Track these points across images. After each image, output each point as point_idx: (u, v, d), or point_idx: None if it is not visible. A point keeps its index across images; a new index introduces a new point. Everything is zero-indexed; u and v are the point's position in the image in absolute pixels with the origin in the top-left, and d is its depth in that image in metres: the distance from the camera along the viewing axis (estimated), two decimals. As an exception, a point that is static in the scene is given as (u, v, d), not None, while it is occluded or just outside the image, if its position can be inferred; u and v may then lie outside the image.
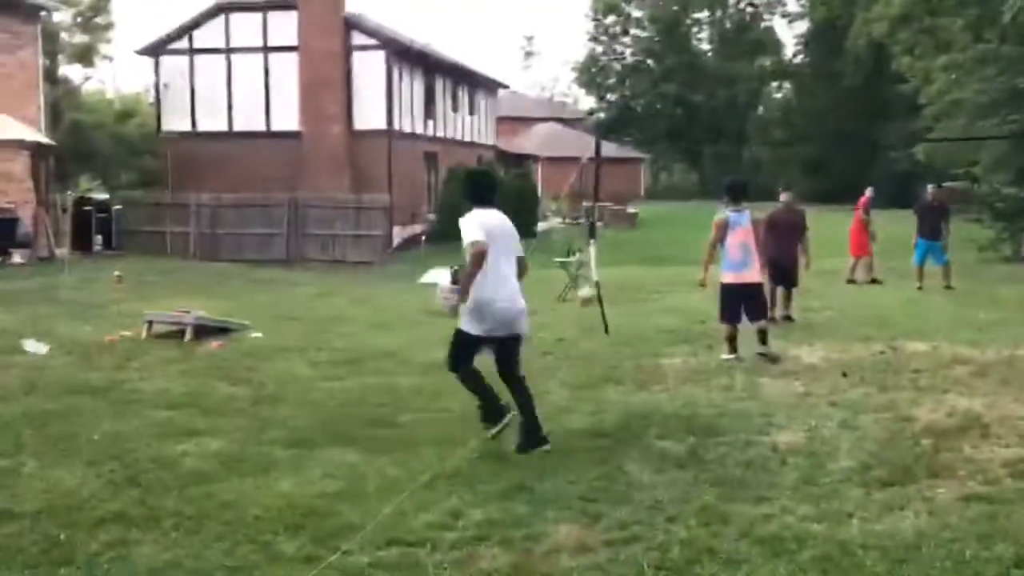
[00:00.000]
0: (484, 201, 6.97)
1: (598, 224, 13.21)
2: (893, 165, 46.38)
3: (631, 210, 40.20)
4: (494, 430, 6.78)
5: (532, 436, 6.58)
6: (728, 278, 9.96)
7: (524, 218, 32.00)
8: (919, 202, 17.09)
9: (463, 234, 6.62)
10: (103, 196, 29.13)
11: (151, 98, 35.15)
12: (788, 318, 12.58)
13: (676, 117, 66.51)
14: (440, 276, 19.04)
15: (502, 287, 6.70)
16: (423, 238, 27.65)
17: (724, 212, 9.99)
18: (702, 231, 10.68)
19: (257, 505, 5.41)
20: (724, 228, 9.86)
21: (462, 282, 6.92)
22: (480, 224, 6.68)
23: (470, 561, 4.62)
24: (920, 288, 15.98)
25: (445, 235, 30.19)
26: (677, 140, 66.16)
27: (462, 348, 6.89)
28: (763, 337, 9.98)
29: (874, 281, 17.41)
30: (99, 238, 26.51)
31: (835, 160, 55.27)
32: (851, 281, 17.52)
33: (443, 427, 7.21)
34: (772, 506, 5.28)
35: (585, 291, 14.88)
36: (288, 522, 5.14)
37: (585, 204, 35.23)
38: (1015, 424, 6.87)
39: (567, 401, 8.05)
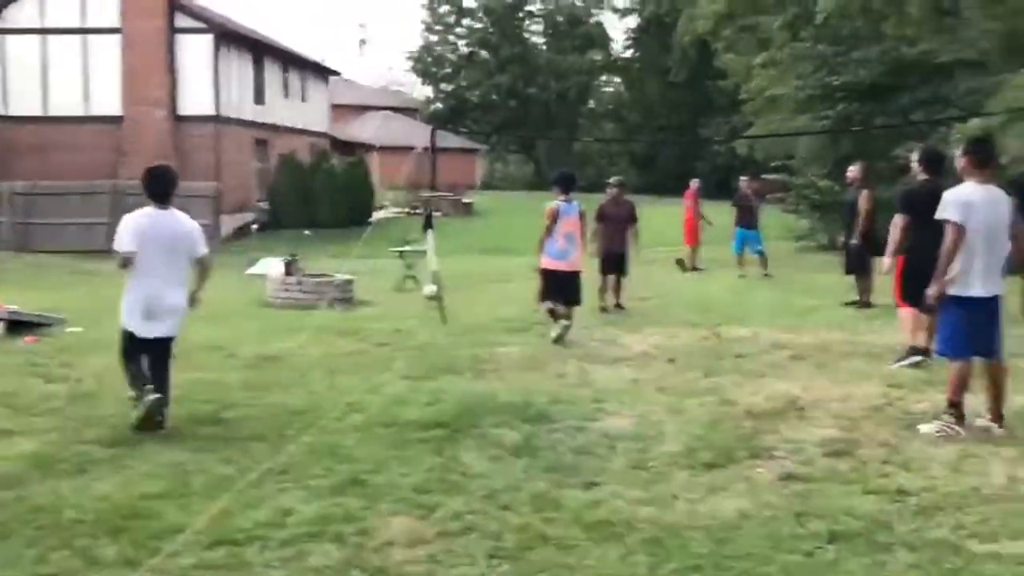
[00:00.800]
0: (158, 199, 6.99)
1: (436, 213, 13.20)
2: (716, 158, 48.24)
3: (467, 200, 40.32)
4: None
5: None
6: (550, 264, 10.37)
7: (357, 206, 31.81)
8: (735, 194, 17.85)
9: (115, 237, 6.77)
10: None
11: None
12: (619, 306, 12.90)
13: (511, 108, 67.10)
14: (271, 266, 18.63)
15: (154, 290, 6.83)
16: (254, 227, 26.96)
17: (555, 202, 10.28)
18: (538, 220, 10.83)
19: (74, 508, 5.13)
20: (555, 217, 10.15)
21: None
22: (133, 229, 6.81)
23: (300, 558, 4.51)
24: (742, 276, 16.69)
25: (277, 224, 29.64)
26: (511, 131, 66.79)
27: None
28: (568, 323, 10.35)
29: (695, 269, 18.20)
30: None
31: (663, 153, 57.02)
32: (695, 269, 18.32)
33: (273, 422, 7.03)
34: (602, 491, 5.39)
35: (428, 288, 14.86)
36: (108, 525, 4.89)
37: (422, 194, 35.15)
38: (829, 406, 7.24)
39: (403, 392, 7.98)
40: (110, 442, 6.45)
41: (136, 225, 6.85)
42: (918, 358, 8.63)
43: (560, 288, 10.40)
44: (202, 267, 7.33)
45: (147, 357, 6.97)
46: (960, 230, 6.29)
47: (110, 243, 7.19)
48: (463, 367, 9.05)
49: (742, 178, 18.34)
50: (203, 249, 7.27)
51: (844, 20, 22.10)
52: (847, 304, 12.71)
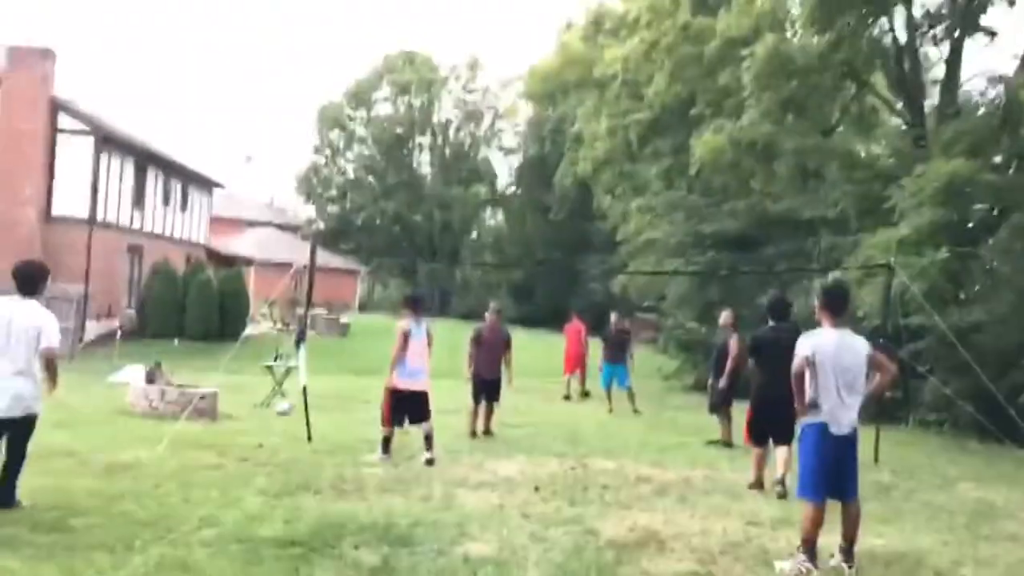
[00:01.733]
0: (22, 290, 7.36)
1: (310, 331, 13.07)
2: (592, 295, 49.34)
3: (344, 320, 40.01)
4: None
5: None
6: (401, 384, 10.47)
7: (230, 320, 31.22)
8: (606, 329, 18.28)
9: None
10: None
11: None
12: (488, 432, 12.89)
13: (395, 233, 67.57)
14: (134, 374, 18.01)
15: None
16: (119, 334, 26.11)
17: (405, 321, 10.59)
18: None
19: None
20: (407, 336, 10.47)
21: None
22: None
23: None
24: (610, 411, 16.92)
25: (145, 332, 28.81)
26: (394, 255, 67.13)
27: None
28: (429, 443, 10.43)
29: (587, 394, 18.80)
30: None
31: (541, 286, 57.98)
32: (567, 397, 18.78)
33: (121, 532, 6.71)
34: (460, 615, 5.30)
35: (282, 406, 14.63)
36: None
37: (298, 310, 34.78)
38: (689, 540, 7.32)
39: (261, 508, 7.74)
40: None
41: None
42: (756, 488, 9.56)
43: (408, 408, 10.51)
44: (46, 360, 7.31)
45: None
46: (806, 359, 6.69)
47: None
48: (325, 486, 8.85)
49: (613, 313, 18.80)
50: (47, 343, 7.25)
51: (715, 173, 23.24)
52: (710, 442, 13.00)
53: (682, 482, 9.96)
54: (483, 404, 12.95)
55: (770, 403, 9.33)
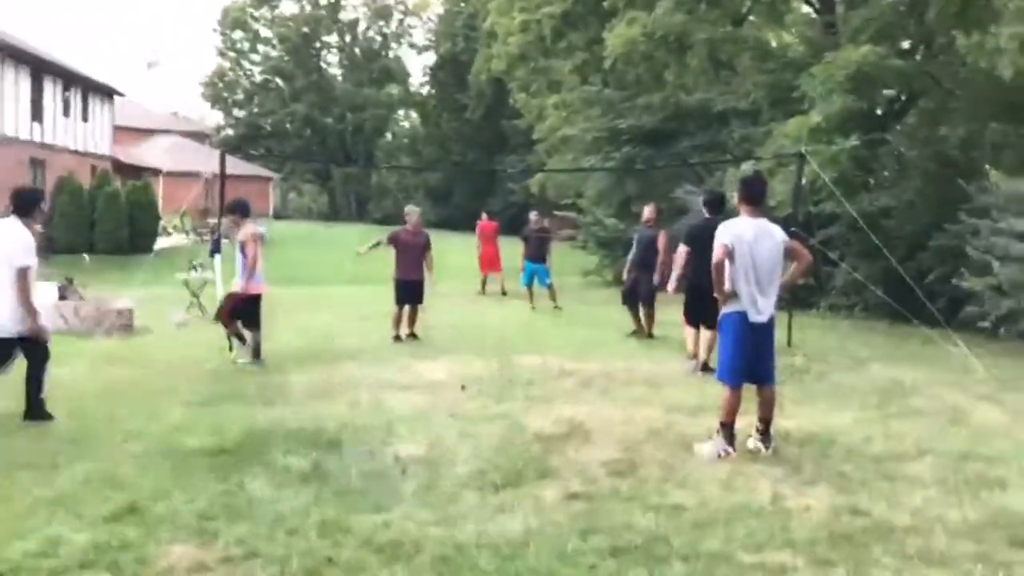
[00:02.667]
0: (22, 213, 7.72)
1: (224, 241, 12.82)
2: (510, 195, 49.27)
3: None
4: None
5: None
6: (258, 289, 10.83)
7: (141, 232, 30.51)
8: (525, 228, 18.32)
9: None
10: None
11: None
12: (413, 335, 12.93)
13: (306, 138, 66.28)
14: (45, 292, 17.55)
15: None
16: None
17: (251, 226, 11.03)
18: (332, 251, 10.77)
19: None
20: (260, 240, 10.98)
21: None
22: None
23: (72, 589, 4.28)
24: (532, 308, 17.08)
25: (52, 248, 27.97)
26: (307, 160, 65.98)
27: None
28: (257, 350, 10.74)
29: (504, 293, 19.13)
30: None
31: (459, 188, 57.71)
32: (482, 293, 19.19)
33: (44, 449, 6.63)
34: (392, 514, 5.38)
35: (178, 315, 14.44)
36: None
37: (211, 220, 34.10)
38: (612, 429, 7.51)
39: (186, 420, 7.70)
40: None
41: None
42: (693, 365, 10.38)
43: (246, 311, 10.74)
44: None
45: None
46: (725, 248, 6.83)
47: None
48: (250, 395, 8.83)
49: (532, 213, 18.84)
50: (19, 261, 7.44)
51: (629, 67, 23.13)
52: (630, 335, 13.24)
53: (604, 375, 10.14)
54: (406, 307, 12.94)
55: (701, 290, 9.56)
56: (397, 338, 12.75)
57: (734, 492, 5.93)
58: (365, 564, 4.61)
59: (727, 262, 6.85)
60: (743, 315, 6.85)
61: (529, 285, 17.60)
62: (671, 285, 11.03)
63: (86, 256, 22.62)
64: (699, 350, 10.44)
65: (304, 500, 5.62)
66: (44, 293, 16.68)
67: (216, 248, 12.25)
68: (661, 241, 12.77)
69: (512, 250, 19.73)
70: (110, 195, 30.55)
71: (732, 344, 6.94)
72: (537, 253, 17.59)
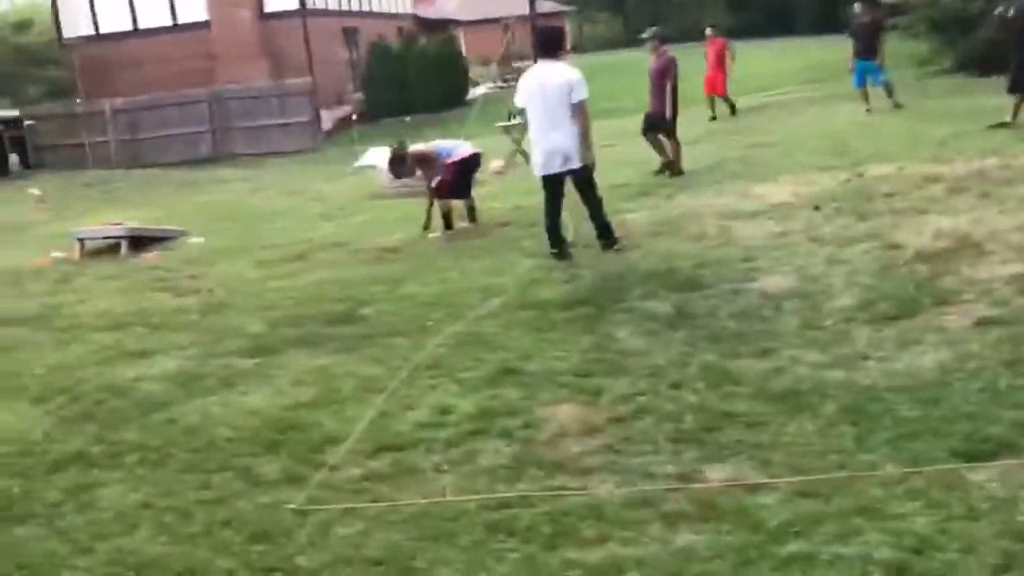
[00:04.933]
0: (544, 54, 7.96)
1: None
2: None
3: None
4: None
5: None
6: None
7: (452, 87, 31.16)
8: (850, 21, 16.55)
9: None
10: (12, 113, 27.47)
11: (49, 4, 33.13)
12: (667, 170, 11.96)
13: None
14: (378, 157, 18.31)
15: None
16: (354, 119, 26.61)
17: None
18: (637, 78, 10.12)
19: (227, 426, 4.95)
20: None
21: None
22: (522, 85, 7.97)
23: (469, 459, 4.22)
24: (868, 111, 15.60)
25: (374, 114, 29.29)
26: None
27: None
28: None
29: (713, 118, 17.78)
30: (15, 158, 25.18)
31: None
32: (713, 119, 17.88)
33: (411, 315, 6.75)
34: (779, 357, 4.94)
35: (495, 163, 14.41)
36: (264, 441, 4.69)
37: (515, 64, 34.23)
38: (1007, 238, 6.57)
39: (536, 272, 7.60)
40: (250, 352, 6.27)
41: (523, 79, 8.03)
42: None
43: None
44: (579, 113, 7.62)
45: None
46: None
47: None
48: (592, 239, 8.58)
49: (856, 4, 16.83)
50: (579, 95, 7.58)
51: None
52: (994, 126, 11.70)
53: (976, 176, 8.98)
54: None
55: None
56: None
57: None
58: (765, 417, 4.23)
59: None
60: None
61: (862, 86, 16.00)
62: None
63: (407, 118, 23.35)
64: None
65: (678, 348, 5.30)
66: (377, 158, 17.43)
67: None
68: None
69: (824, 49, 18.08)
70: (420, 54, 31.27)
71: None
72: (867, 49, 15.83)
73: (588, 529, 3.45)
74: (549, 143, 7.74)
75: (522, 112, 13.12)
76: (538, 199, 11.09)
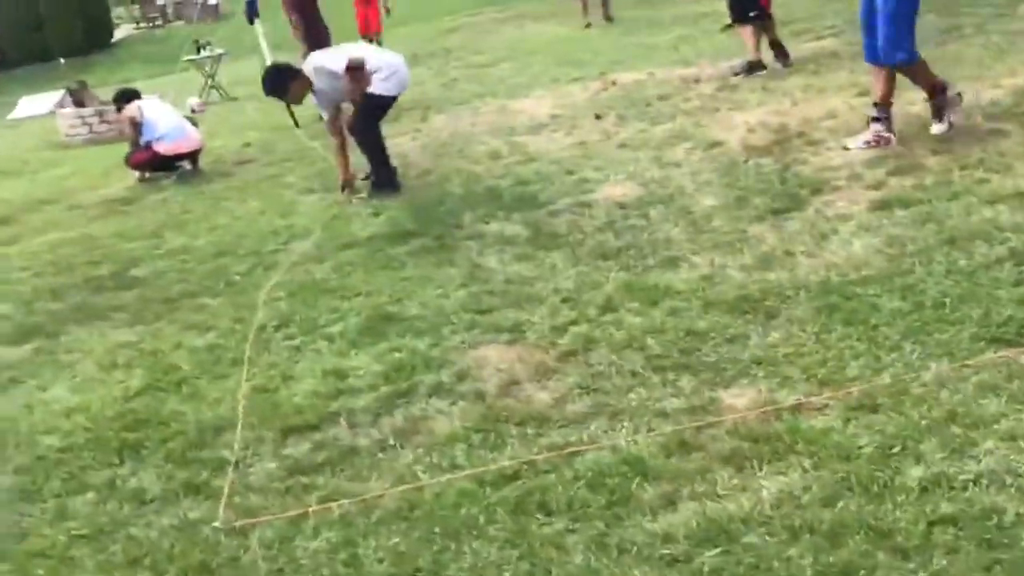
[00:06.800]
0: None
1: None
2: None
3: None
4: None
5: None
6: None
7: (94, 28, 27.74)
8: None
9: None
10: None
11: None
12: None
13: None
14: (39, 104, 15.97)
15: None
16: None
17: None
18: None
19: (48, 432, 3.75)
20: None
21: None
22: None
23: (418, 428, 3.39)
24: (588, 25, 15.14)
25: (7, 62, 25.76)
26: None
27: None
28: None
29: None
30: None
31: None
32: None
33: (203, 271, 5.68)
34: (695, 266, 4.44)
35: (192, 102, 13.01)
36: (112, 445, 3.57)
37: (159, 2, 31.38)
38: (824, 125, 6.45)
39: (329, 208, 6.66)
40: (14, 338, 4.96)
41: None
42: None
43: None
44: None
45: None
46: None
47: None
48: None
49: None
50: None
51: None
52: (724, 28, 11.80)
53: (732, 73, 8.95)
54: None
55: None
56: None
57: None
58: (739, 329, 3.70)
59: None
60: None
61: None
62: None
63: (62, 60, 20.61)
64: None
65: (573, 270, 4.66)
66: (38, 105, 15.16)
67: (253, 12, 10.65)
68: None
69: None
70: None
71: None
72: None
73: (644, 490, 2.77)
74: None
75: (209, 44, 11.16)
76: (266, 133, 9.98)
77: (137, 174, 8.71)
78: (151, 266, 5.92)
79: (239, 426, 3.54)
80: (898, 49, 5.55)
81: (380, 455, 3.25)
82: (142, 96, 9.08)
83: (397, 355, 3.97)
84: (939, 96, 5.75)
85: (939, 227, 4.34)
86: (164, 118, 8.65)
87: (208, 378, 4.06)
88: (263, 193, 7.52)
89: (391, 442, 3.31)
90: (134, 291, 5.48)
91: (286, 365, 4.06)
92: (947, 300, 3.60)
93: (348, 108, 6.93)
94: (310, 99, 6.88)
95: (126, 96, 8.91)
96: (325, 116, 6.91)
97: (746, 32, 8.89)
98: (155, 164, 8.58)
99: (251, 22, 11.34)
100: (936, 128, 5.74)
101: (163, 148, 8.48)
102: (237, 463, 3.29)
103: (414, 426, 3.39)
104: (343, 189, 6.94)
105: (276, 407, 3.68)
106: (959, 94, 5.83)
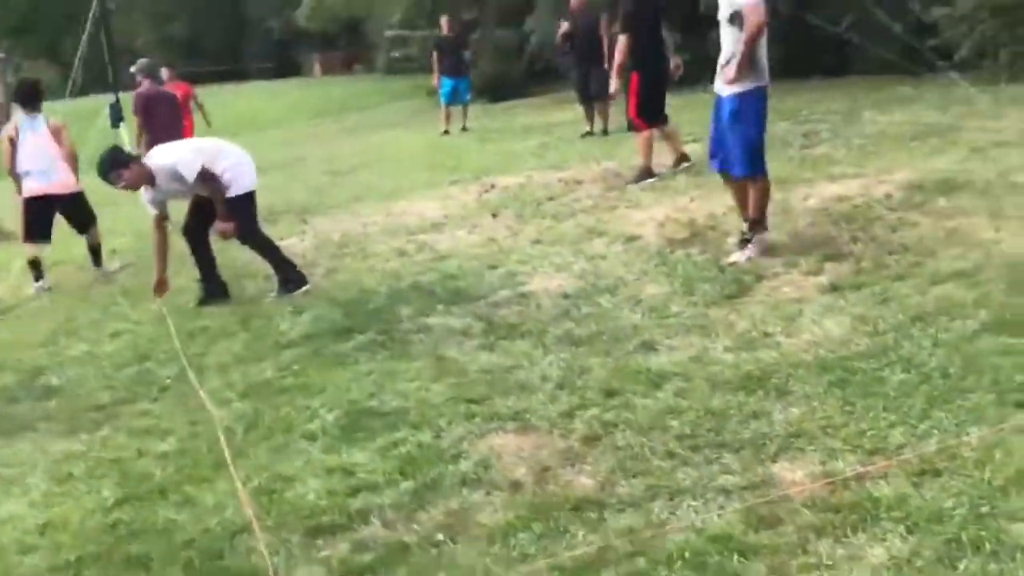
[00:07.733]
0: None
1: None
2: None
3: None
4: None
5: None
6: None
7: None
8: (434, 38, 16.16)
9: None
10: None
11: None
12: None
13: None
14: None
15: None
16: None
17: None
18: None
19: (16, 551, 3.28)
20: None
21: None
22: None
23: (462, 524, 3.19)
24: (446, 132, 15.22)
25: None
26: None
27: None
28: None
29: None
30: None
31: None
32: None
33: (127, 378, 5.24)
34: (675, 350, 4.47)
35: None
36: (116, 558, 3.17)
37: None
38: (729, 222, 6.70)
39: (243, 307, 6.31)
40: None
41: None
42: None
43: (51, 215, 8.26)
44: None
45: None
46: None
47: None
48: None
49: (443, 18, 16.04)
50: None
51: None
52: (584, 136, 12.25)
53: (612, 175, 9.21)
54: None
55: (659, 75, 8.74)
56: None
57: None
58: (755, 407, 3.72)
59: None
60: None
61: (452, 103, 15.32)
62: (613, 84, 9.12)
63: None
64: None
65: (548, 358, 4.58)
66: None
67: (117, 115, 10.17)
68: (602, 25, 11.73)
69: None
70: None
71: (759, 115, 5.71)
72: (455, 65, 15.20)
73: (747, 566, 2.70)
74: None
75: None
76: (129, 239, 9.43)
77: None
78: (62, 373, 5.43)
79: (256, 530, 3.23)
80: (747, 165, 5.67)
81: (434, 551, 3.03)
82: None
83: (403, 449, 3.76)
84: (758, 227, 5.75)
85: (901, 306, 4.55)
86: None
87: (192, 484, 3.71)
88: (144, 298, 7.03)
89: (439, 537, 3.10)
90: (54, 400, 4.99)
91: (279, 468, 3.76)
92: (951, 370, 3.75)
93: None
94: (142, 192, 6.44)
95: None
96: (152, 212, 6.53)
97: (642, 138, 8.76)
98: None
99: (115, 126, 10.80)
100: (736, 256, 5.69)
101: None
102: (276, 572, 2.99)
103: (460, 520, 3.20)
104: (155, 290, 6.62)
105: (292, 508, 3.39)
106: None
